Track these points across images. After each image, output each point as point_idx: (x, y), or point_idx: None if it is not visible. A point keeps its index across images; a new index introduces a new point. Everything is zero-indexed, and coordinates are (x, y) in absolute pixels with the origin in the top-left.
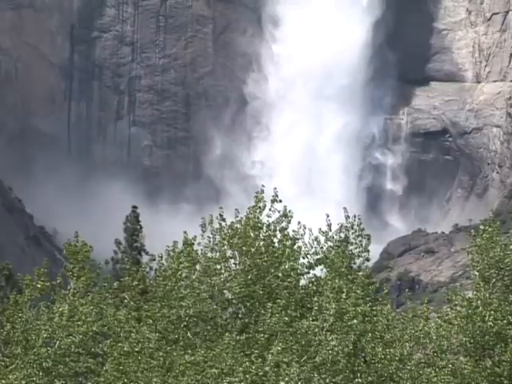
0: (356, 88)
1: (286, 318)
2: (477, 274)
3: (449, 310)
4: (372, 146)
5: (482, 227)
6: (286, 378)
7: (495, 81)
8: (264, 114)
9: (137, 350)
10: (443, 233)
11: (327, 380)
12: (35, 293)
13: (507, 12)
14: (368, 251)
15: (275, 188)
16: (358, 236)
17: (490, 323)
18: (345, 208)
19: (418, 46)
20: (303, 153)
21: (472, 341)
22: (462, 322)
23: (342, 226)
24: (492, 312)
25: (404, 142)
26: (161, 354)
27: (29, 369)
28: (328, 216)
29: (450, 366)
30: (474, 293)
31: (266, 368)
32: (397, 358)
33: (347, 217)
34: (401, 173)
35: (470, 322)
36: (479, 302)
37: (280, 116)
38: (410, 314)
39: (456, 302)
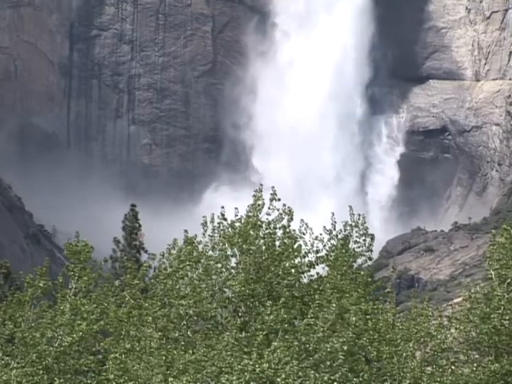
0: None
1: (286, 316)
2: (493, 273)
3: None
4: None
5: (504, 226)
6: (283, 375)
7: (494, 79)
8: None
9: (138, 348)
10: (442, 231)
11: (325, 378)
12: (37, 292)
13: (506, 10)
14: (371, 250)
15: (273, 186)
16: (361, 235)
17: (506, 322)
18: (350, 206)
19: (417, 44)
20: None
21: (487, 339)
22: (477, 319)
23: (346, 224)
24: (508, 311)
25: (403, 140)
26: (161, 352)
27: (29, 367)
28: (333, 214)
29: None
30: (490, 291)
31: (264, 365)
32: (403, 358)
33: (352, 214)
34: (400, 171)
35: (486, 320)
36: (496, 300)
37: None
38: (414, 314)
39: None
